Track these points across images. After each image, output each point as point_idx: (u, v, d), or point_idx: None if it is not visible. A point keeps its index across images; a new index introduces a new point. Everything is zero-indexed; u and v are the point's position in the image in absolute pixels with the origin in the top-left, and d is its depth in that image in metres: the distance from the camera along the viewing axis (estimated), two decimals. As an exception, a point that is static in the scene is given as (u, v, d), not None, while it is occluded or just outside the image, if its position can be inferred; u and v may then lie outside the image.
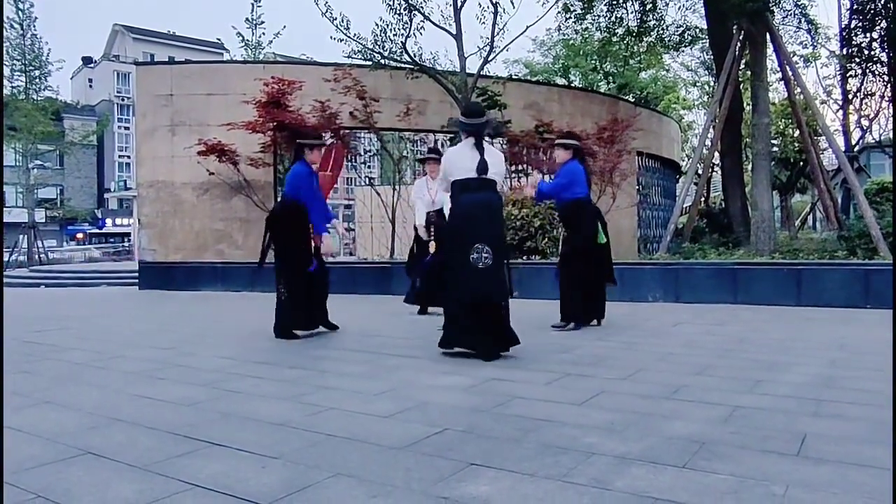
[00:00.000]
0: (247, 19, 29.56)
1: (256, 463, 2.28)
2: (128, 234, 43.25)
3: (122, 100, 52.42)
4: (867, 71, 18.23)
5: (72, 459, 2.33)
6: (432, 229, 7.02)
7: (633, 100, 23.59)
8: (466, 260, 4.25)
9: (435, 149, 8.04)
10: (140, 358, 4.55)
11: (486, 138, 4.74)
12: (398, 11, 11.79)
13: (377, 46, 11.91)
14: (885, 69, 17.36)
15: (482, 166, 4.36)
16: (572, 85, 25.77)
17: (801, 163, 23.34)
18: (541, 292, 8.31)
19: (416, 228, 7.16)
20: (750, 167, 15.59)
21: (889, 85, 17.93)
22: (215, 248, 12.97)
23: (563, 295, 5.81)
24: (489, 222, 4.34)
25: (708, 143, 14.30)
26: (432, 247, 6.94)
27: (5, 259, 20.75)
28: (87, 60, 57.71)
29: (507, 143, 13.61)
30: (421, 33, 12.10)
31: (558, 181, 5.76)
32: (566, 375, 3.77)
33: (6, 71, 26.82)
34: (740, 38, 12.30)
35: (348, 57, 12.26)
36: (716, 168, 20.99)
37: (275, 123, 11.72)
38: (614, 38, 18.43)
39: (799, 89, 13.00)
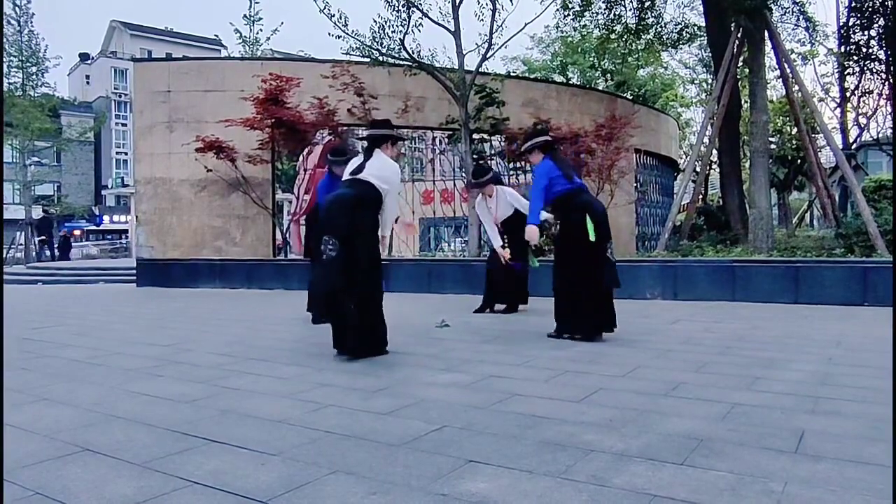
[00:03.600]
0: (244, 16, 29.49)
1: (255, 460, 2.27)
2: (125, 231, 43.17)
3: (120, 96, 52.28)
4: (865, 69, 18.26)
5: (70, 456, 2.33)
6: (505, 239, 7.08)
7: (631, 97, 23.58)
8: (320, 253, 4.39)
9: (485, 167, 7.91)
10: (138, 355, 4.55)
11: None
12: (396, 8, 11.76)
13: (375, 43, 11.88)
14: (883, 67, 17.38)
15: (358, 169, 4.46)
16: (570, 82, 25.76)
17: (799, 160, 23.35)
18: (540, 290, 8.31)
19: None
20: (748, 165, 15.59)
21: (887, 82, 17.95)
22: (213, 245, 12.96)
23: (554, 299, 5.18)
24: (337, 216, 4.31)
25: (706, 140, 14.29)
26: (507, 254, 6.97)
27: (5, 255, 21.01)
28: (84, 57, 57.55)
29: (506, 141, 13.62)
30: (419, 30, 12.06)
31: (532, 193, 5.17)
32: (565, 372, 3.77)
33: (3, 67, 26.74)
34: (738, 35, 12.29)
35: (346, 54, 12.23)
36: (714, 166, 21.00)
37: (273, 120, 11.71)
38: (612, 36, 18.42)
39: (797, 87, 13.00)
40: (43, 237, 24.52)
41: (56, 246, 25.66)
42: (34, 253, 24.36)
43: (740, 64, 13.82)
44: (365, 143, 4.67)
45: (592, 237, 4.85)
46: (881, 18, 16.11)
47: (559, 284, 5.07)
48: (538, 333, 5.37)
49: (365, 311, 4.30)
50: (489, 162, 14.36)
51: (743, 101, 15.29)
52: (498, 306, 7.23)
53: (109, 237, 45.15)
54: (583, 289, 4.91)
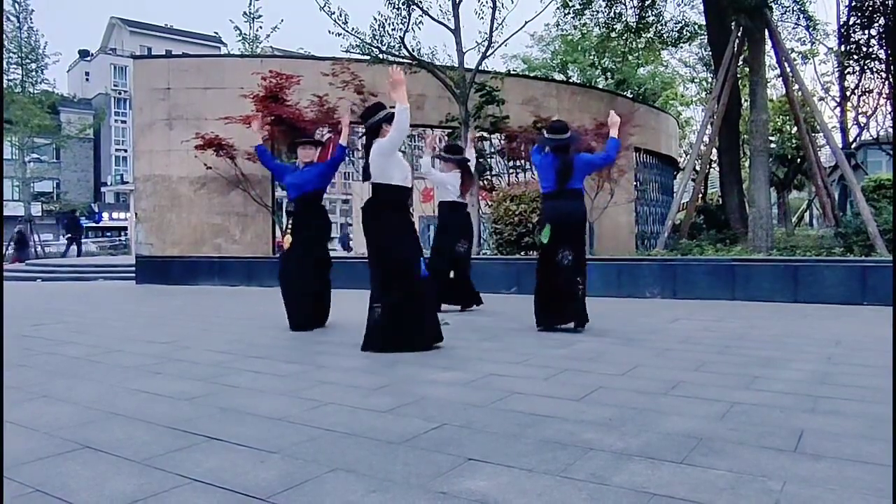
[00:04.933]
0: (244, 13, 29.42)
1: (255, 457, 2.27)
2: (124, 228, 43.14)
3: (119, 93, 52.22)
4: (865, 68, 18.26)
5: (70, 454, 2.33)
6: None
7: (631, 96, 23.58)
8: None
9: (460, 148, 7.84)
10: (137, 352, 4.55)
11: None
12: (396, 6, 11.75)
13: (375, 41, 11.88)
14: (883, 66, 17.38)
15: (366, 174, 4.68)
16: (570, 80, 25.73)
17: (799, 159, 23.35)
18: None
19: None
20: (747, 164, 15.61)
21: (887, 81, 17.95)
22: (213, 243, 12.95)
23: None
24: (365, 225, 4.69)
25: (706, 139, 14.29)
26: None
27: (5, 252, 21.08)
28: (83, 54, 57.44)
29: (506, 139, 13.62)
30: (419, 28, 12.06)
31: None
32: (564, 371, 3.77)
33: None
34: (739, 34, 12.28)
35: (346, 51, 12.23)
36: (713, 164, 21.00)
37: (273, 118, 11.69)
38: (613, 34, 18.43)
39: (797, 86, 13.00)
40: (70, 235, 25.46)
41: (11, 244, 23.42)
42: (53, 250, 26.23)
43: (740, 63, 13.82)
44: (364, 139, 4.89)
45: (544, 240, 5.35)
46: (881, 17, 16.11)
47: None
48: (535, 332, 5.37)
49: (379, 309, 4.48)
50: (488, 160, 14.36)
51: (743, 100, 15.30)
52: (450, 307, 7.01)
53: (109, 234, 45.11)
54: (539, 285, 5.44)
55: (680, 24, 19.15)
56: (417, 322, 4.47)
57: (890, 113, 19.38)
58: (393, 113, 4.46)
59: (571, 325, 5.37)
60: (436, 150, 7.21)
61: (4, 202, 35.66)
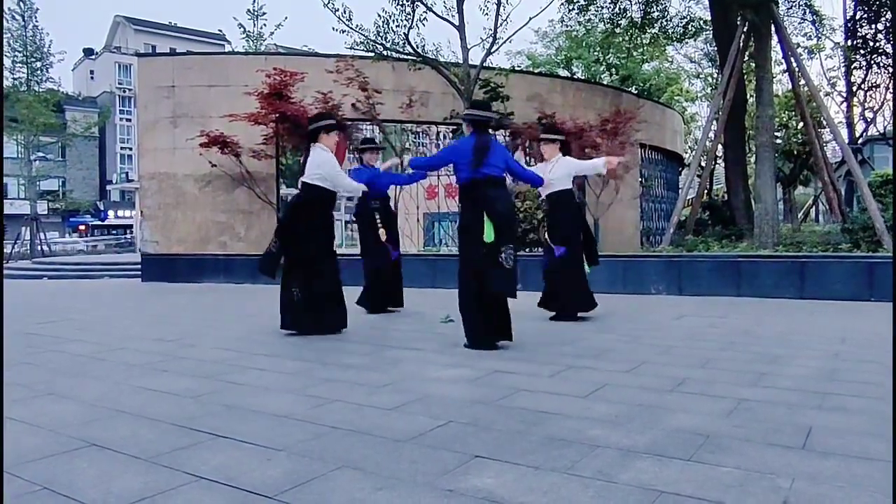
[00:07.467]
0: (248, 10, 29.46)
1: (261, 455, 2.27)
2: (130, 226, 43.30)
3: (124, 91, 52.31)
4: (872, 63, 18.17)
5: (76, 451, 2.33)
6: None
7: (635, 91, 23.50)
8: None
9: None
10: (142, 350, 4.56)
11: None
12: (401, 2, 11.71)
13: (379, 38, 11.84)
14: (890, 61, 17.28)
15: (300, 171, 5.22)
16: (575, 77, 25.66)
17: (805, 155, 23.20)
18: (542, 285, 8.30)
19: None
20: (753, 159, 15.54)
21: (894, 77, 17.84)
22: (218, 241, 12.96)
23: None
24: (284, 218, 5.26)
25: (711, 135, 14.23)
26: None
27: (7, 251, 21.11)
28: (88, 52, 57.61)
29: (510, 136, 13.59)
30: (424, 24, 12.09)
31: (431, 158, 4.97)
32: (569, 368, 3.76)
33: (7, 62, 26.79)
34: (744, 29, 12.22)
35: (350, 48, 12.20)
36: (719, 160, 20.93)
37: (277, 115, 11.68)
38: (617, 30, 18.38)
39: (803, 81, 12.91)
40: None
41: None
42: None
43: (746, 58, 13.76)
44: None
45: (490, 237, 4.29)
46: (888, 12, 16.00)
47: (459, 284, 4.53)
48: (540, 329, 5.36)
49: (309, 293, 5.04)
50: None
51: (749, 96, 15.25)
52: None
53: (114, 232, 45.29)
54: (472, 292, 4.41)
55: (685, 20, 19.07)
56: (328, 307, 5.17)
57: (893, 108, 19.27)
58: (333, 124, 5.41)
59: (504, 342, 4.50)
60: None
61: (10, 200, 35.81)
